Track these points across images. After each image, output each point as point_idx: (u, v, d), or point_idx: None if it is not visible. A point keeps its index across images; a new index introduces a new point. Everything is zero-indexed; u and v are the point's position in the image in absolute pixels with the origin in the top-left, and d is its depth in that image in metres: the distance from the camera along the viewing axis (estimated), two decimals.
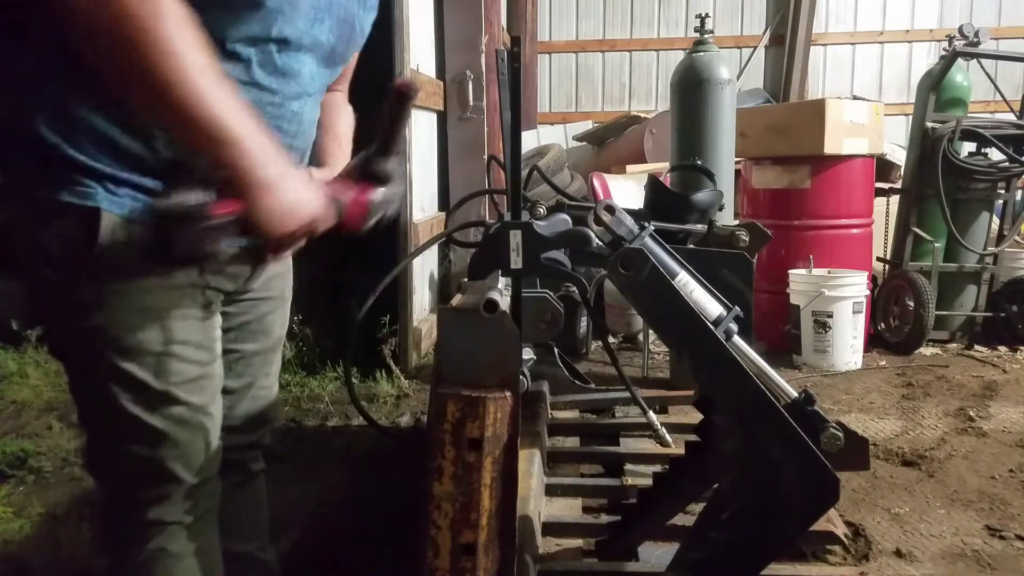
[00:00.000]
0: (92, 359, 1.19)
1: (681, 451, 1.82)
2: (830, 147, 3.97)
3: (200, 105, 1.00)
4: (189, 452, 1.24)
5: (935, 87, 4.35)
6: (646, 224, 1.38)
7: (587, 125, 7.32)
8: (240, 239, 1.09)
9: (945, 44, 4.42)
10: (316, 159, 1.43)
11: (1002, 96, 4.85)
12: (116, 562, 1.28)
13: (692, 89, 3.46)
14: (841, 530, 2.05)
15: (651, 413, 2.58)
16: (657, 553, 1.86)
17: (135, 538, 1.25)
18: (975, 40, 4.27)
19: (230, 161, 1.04)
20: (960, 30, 4.27)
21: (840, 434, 1.28)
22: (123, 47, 0.98)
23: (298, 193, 1.10)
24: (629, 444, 2.63)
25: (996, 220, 4.42)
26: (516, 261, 1.32)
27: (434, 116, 4.48)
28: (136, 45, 0.97)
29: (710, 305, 1.37)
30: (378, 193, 1.21)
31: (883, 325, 4.29)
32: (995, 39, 5.78)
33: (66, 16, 0.98)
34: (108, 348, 1.17)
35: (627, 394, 2.65)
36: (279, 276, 1.44)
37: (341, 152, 1.49)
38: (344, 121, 1.53)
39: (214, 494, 1.31)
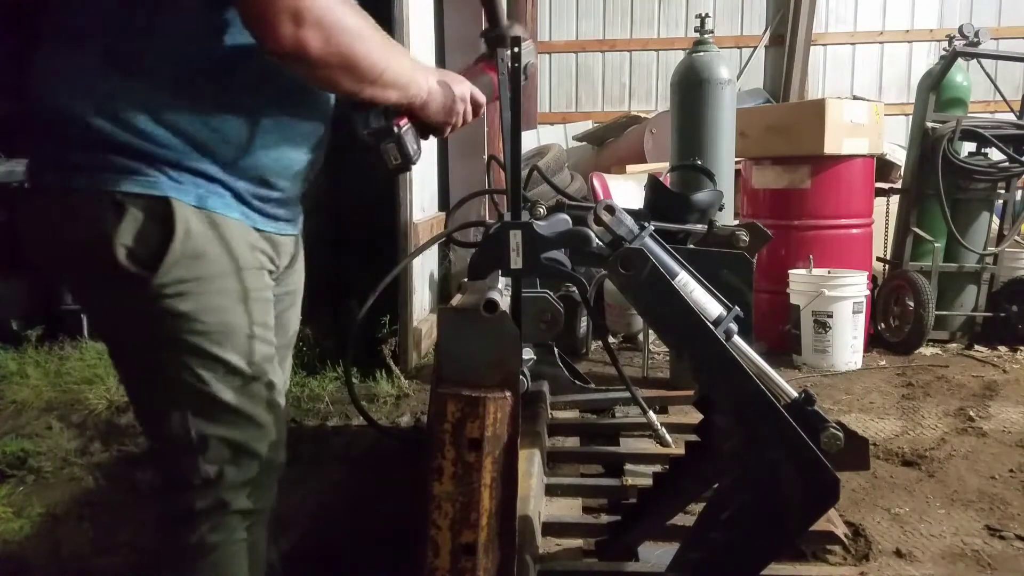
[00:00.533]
0: (176, 348, 1.19)
1: (681, 451, 1.82)
2: (830, 147, 3.97)
3: (392, 76, 1.21)
4: (271, 432, 1.27)
5: (935, 87, 4.35)
6: (646, 224, 1.38)
7: (587, 125, 7.32)
8: (420, 137, 1.35)
9: (945, 44, 4.42)
10: None
11: (1002, 96, 4.85)
12: (180, 548, 1.26)
13: (692, 89, 3.46)
14: (841, 530, 2.05)
15: (651, 413, 2.58)
16: (657, 553, 1.86)
17: (222, 528, 1.25)
18: (975, 40, 4.27)
19: (405, 101, 1.25)
20: (960, 30, 4.27)
21: (840, 434, 1.28)
22: (345, 69, 1.15)
23: (446, 91, 1.31)
24: (629, 444, 2.63)
25: (996, 220, 4.41)
26: (516, 261, 1.32)
27: None
28: (354, 64, 1.15)
29: (710, 305, 1.37)
30: (507, 54, 1.44)
31: (883, 325, 4.29)
32: (995, 39, 5.79)
33: (293, 59, 1.12)
34: (194, 334, 1.19)
35: (627, 394, 2.65)
36: (296, 271, 1.46)
37: None
38: None
39: (275, 486, 1.32)
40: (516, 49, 1.34)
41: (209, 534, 1.24)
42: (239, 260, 1.21)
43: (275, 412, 1.28)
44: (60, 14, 1.19)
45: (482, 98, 1.40)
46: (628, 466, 2.44)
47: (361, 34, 1.15)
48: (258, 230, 1.27)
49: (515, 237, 1.29)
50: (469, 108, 1.38)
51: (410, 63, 1.28)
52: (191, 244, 1.16)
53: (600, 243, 1.37)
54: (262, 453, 1.26)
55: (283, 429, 1.30)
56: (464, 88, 1.37)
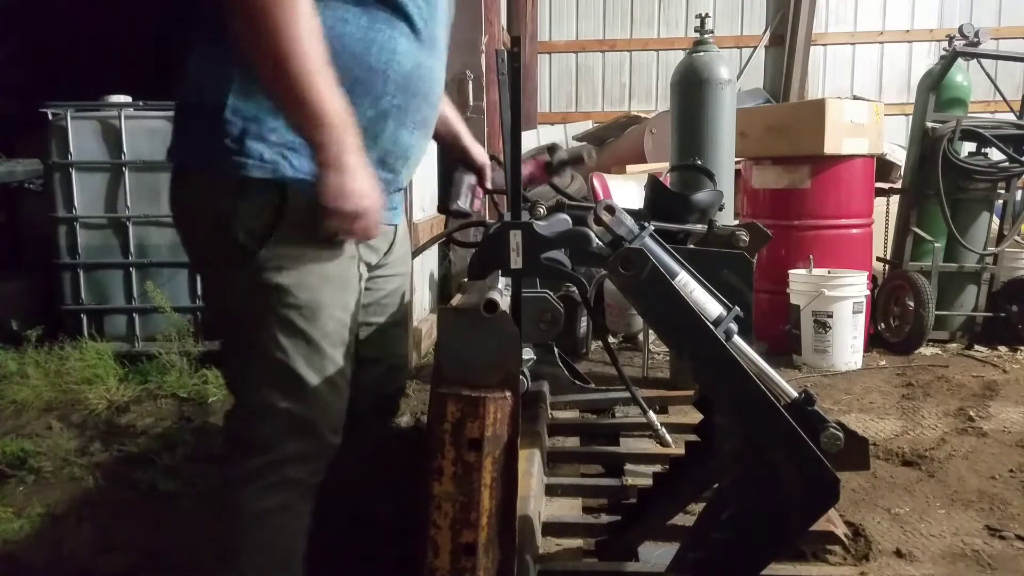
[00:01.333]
0: (268, 316, 1.29)
1: (681, 451, 1.82)
2: (830, 147, 3.96)
3: (309, 89, 1.16)
4: (333, 414, 1.35)
5: (935, 87, 4.35)
6: (646, 224, 1.38)
7: (587, 125, 7.32)
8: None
9: (945, 44, 4.42)
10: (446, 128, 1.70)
11: (1002, 96, 4.85)
12: (235, 509, 1.34)
13: (692, 89, 3.46)
14: (841, 530, 2.05)
15: (651, 413, 2.58)
16: (657, 553, 1.86)
17: (274, 492, 1.32)
18: (975, 40, 4.27)
19: (321, 140, 1.19)
20: (960, 30, 4.27)
21: (840, 434, 1.28)
22: (258, 30, 1.14)
23: (352, 179, 1.22)
24: (629, 444, 2.63)
25: (996, 220, 4.41)
26: (516, 261, 1.33)
27: None
28: (269, 30, 1.14)
29: (710, 305, 1.37)
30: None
31: (883, 325, 4.29)
32: (995, 39, 5.79)
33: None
34: (286, 307, 1.28)
35: (627, 394, 2.65)
36: (406, 253, 1.59)
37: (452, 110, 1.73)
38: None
39: (326, 464, 1.39)
40: (516, 49, 1.34)
41: (263, 498, 1.32)
42: (336, 247, 1.31)
43: (340, 395, 1.36)
44: (205, 15, 1.29)
45: (375, 229, 1.27)
46: (628, 466, 2.44)
47: (294, 11, 1.14)
48: None
49: (515, 237, 1.29)
50: (358, 223, 1.23)
51: (342, 109, 1.20)
52: (295, 224, 1.26)
53: (600, 243, 1.37)
54: (322, 431, 1.33)
55: (343, 413, 1.38)
56: (372, 201, 1.23)
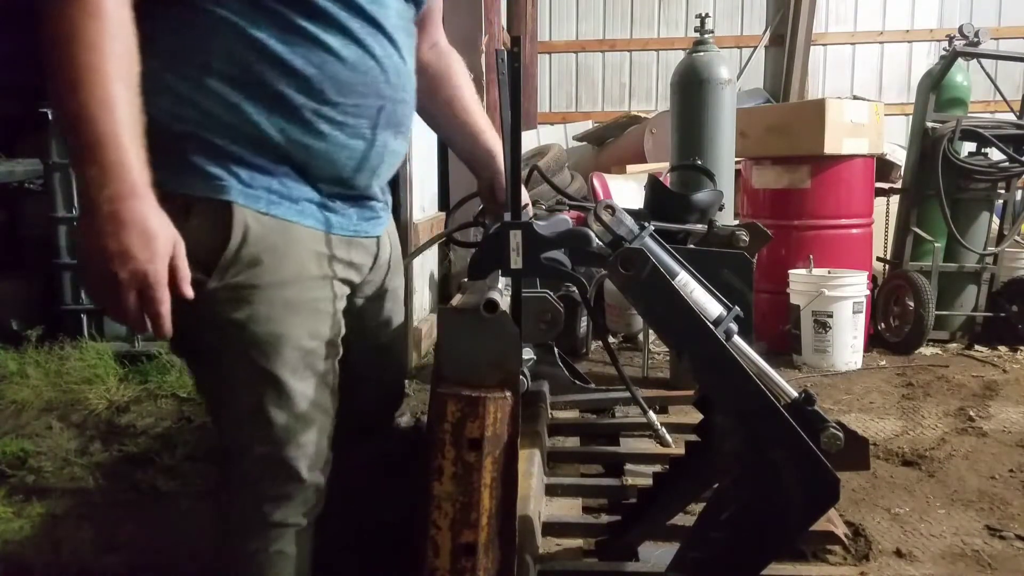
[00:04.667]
0: (230, 355, 1.17)
1: (681, 451, 1.82)
2: (830, 147, 3.96)
3: (92, 113, 0.95)
4: (312, 451, 1.24)
5: (935, 87, 4.35)
6: (646, 224, 1.38)
7: (587, 125, 7.32)
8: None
9: (945, 44, 4.41)
10: (471, 142, 1.56)
11: (1002, 96, 4.85)
12: (234, 561, 1.27)
13: (692, 89, 3.46)
14: (841, 530, 2.05)
15: (651, 413, 2.57)
16: (657, 553, 1.86)
17: (257, 538, 1.25)
18: (975, 40, 4.27)
19: (88, 175, 0.95)
20: (960, 30, 4.27)
21: (840, 434, 1.28)
22: (54, 28, 0.97)
23: (115, 235, 0.95)
24: (629, 444, 2.63)
25: (996, 220, 4.41)
26: (516, 261, 1.32)
27: None
28: (64, 34, 0.96)
29: (710, 305, 1.37)
30: None
31: (883, 325, 4.29)
32: (995, 39, 5.79)
33: None
34: (245, 343, 1.16)
35: (627, 394, 2.64)
36: (390, 269, 1.45)
37: (485, 120, 1.58)
38: (465, 81, 1.59)
39: (323, 496, 1.31)
40: (516, 49, 1.34)
41: (250, 541, 1.25)
42: (300, 269, 1.18)
43: (317, 429, 1.25)
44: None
45: (163, 296, 1.01)
46: (628, 466, 2.44)
47: (96, 19, 0.96)
48: (337, 234, 1.24)
49: (515, 237, 1.29)
50: (125, 299, 0.98)
51: (117, 150, 0.96)
52: (248, 251, 1.13)
53: (600, 243, 1.37)
54: (300, 470, 1.24)
55: (324, 448, 1.27)
56: (144, 259, 0.96)
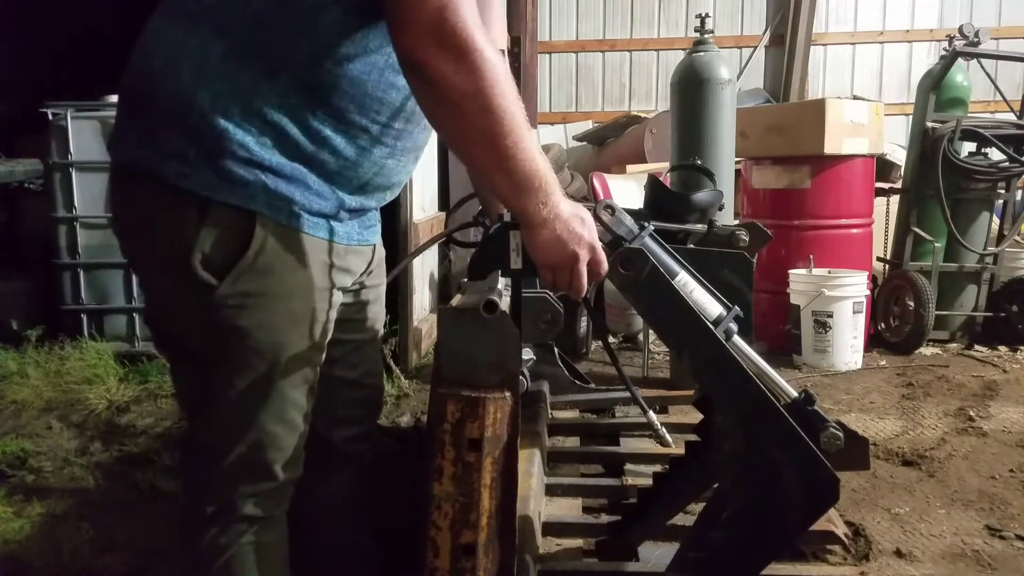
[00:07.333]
0: (229, 360, 1.18)
1: (681, 451, 1.82)
2: (830, 147, 3.96)
3: (521, 162, 1.09)
4: (290, 454, 1.26)
5: (935, 87, 4.35)
6: (646, 224, 1.38)
7: (587, 125, 7.32)
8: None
9: (945, 44, 4.42)
10: None
11: (1002, 96, 4.85)
12: (208, 554, 1.27)
13: (692, 89, 3.46)
14: (841, 530, 2.05)
15: (651, 413, 2.57)
16: (657, 553, 1.86)
17: (230, 532, 1.26)
18: (975, 40, 4.27)
19: (517, 207, 1.14)
20: (960, 30, 4.27)
21: (840, 434, 1.28)
22: (478, 119, 1.07)
23: (571, 227, 1.16)
24: (629, 444, 2.63)
25: (996, 220, 4.41)
26: (516, 261, 1.32)
27: None
28: (488, 120, 1.06)
29: (710, 305, 1.37)
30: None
31: (883, 325, 4.29)
32: (995, 39, 5.78)
33: (429, 89, 1.07)
34: (246, 350, 1.17)
35: (627, 394, 2.64)
36: (380, 265, 1.47)
37: None
38: None
39: (287, 494, 1.32)
40: (516, 49, 1.34)
41: (218, 537, 1.26)
42: (308, 282, 1.20)
43: (297, 432, 1.27)
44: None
45: (604, 263, 1.22)
46: (628, 466, 2.44)
47: (504, 88, 1.06)
48: (341, 243, 1.26)
49: (515, 237, 1.29)
50: (583, 269, 1.19)
51: (545, 164, 1.13)
52: (263, 260, 1.14)
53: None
54: (276, 470, 1.26)
55: (300, 448, 1.29)
56: (594, 236, 1.19)
